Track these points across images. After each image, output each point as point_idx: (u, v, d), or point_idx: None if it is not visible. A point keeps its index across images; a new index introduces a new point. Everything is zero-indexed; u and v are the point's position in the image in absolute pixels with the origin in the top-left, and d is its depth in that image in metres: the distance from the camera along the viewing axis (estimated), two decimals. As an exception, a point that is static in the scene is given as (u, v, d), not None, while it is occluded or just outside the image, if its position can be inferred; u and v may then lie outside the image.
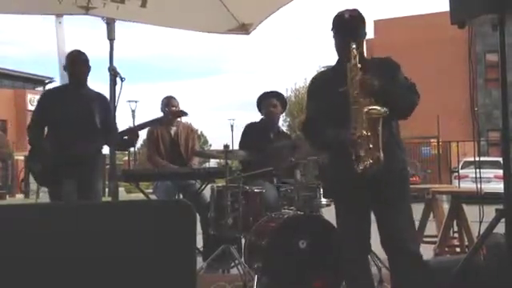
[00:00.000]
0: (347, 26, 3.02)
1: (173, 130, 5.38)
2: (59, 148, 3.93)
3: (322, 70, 3.38)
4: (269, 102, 5.00)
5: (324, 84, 3.17)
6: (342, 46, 3.05)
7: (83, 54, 4.18)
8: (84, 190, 3.99)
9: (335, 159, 3.15)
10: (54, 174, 3.93)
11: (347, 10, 3.07)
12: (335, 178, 3.22)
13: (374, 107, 2.84)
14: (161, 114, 5.07)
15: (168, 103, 5.33)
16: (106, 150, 4.39)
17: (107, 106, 4.13)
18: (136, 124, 4.22)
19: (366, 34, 3.15)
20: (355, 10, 3.09)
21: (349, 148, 2.88)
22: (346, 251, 3.12)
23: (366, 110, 2.83)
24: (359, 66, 2.90)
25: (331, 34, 3.10)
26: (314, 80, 3.35)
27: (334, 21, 3.10)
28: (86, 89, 4.17)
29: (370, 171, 2.82)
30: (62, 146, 3.93)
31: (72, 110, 4.03)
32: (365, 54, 3.18)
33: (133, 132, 4.15)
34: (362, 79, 2.88)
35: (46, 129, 4.19)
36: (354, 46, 2.93)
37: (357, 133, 2.85)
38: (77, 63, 4.11)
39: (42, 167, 3.98)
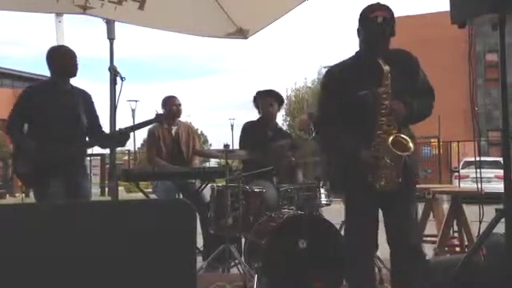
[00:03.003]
0: (379, 34, 2.93)
1: (174, 129, 5.39)
2: (46, 148, 3.80)
3: (340, 62, 3.23)
4: (265, 101, 5.00)
5: (343, 81, 3.06)
6: (366, 51, 3.00)
7: (69, 49, 4.05)
8: (72, 191, 3.90)
9: (348, 163, 3.07)
10: (40, 175, 3.80)
11: (379, 10, 2.92)
12: (346, 179, 3.18)
13: (401, 137, 2.83)
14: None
15: (169, 102, 5.34)
16: (106, 149, 4.39)
17: (92, 104, 4.08)
18: (128, 126, 4.18)
19: (394, 29, 3.01)
20: (387, 10, 2.94)
21: (365, 169, 2.89)
22: (352, 251, 3.13)
23: (391, 139, 2.82)
24: (390, 91, 2.85)
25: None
26: (332, 74, 3.22)
27: (363, 19, 2.97)
28: (69, 85, 4.04)
29: (387, 191, 2.86)
30: (49, 146, 3.81)
31: (58, 107, 3.91)
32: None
33: (124, 134, 4.09)
34: (394, 109, 2.86)
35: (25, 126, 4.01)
36: (387, 69, 2.84)
37: (379, 159, 2.84)
38: (71, 57, 3.98)
39: (28, 169, 3.82)
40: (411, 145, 2.83)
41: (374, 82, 2.88)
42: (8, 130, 4.00)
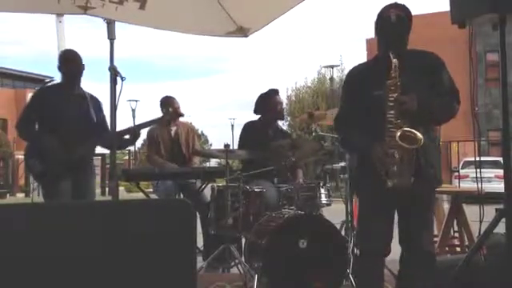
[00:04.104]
0: (393, 32, 2.91)
1: (173, 129, 5.40)
2: (59, 148, 3.93)
3: (361, 62, 3.25)
4: (276, 100, 5.01)
5: (361, 82, 3.06)
6: (383, 51, 2.98)
7: (77, 53, 4.19)
8: (79, 190, 3.99)
9: (364, 164, 3.05)
10: (52, 174, 3.92)
11: (393, 9, 2.91)
12: (360, 178, 3.17)
13: (410, 131, 2.80)
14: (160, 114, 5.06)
15: (168, 103, 5.33)
16: (105, 149, 4.41)
17: (100, 107, 4.19)
18: (136, 124, 4.23)
19: (410, 28, 2.98)
20: (402, 8, 2.93)
21: (376, 164, 2.88)
22: (362, 250, 3.12)
23: (399, 133, 2.79)
24: (398, 83, 2.84)
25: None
26: (351, 74, 3.23)
27: (378, 19, 2.97)
28: (79, 88, 4.17)
29: (399, 189, 2.83)
30: (62, 147, 3.93)
31: (70, 109, 4.03)
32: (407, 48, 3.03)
33: (133, 131, 4.16)
34: (400, 101, 2.83)
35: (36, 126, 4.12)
36: (395, 62, 2.83)
37: (389, 154, 2.83)
38: (74, 62, 4.11)
39: (44, 166, 3.94)
40: (420, 136, 2.79)
41: (387, 80, 2.88)
42: (20, 127, 4.10)
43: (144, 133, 4.76)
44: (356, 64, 3.25)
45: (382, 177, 2.86)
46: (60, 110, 4.01)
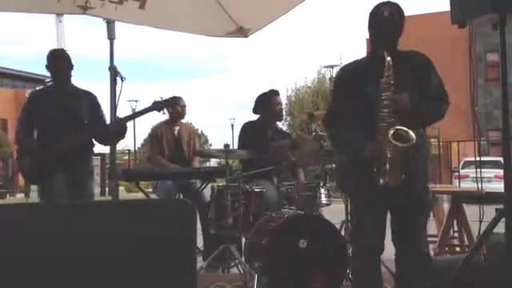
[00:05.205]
0: (385, 27, 2.91)
1: (176, 130, 5.40)
2: (44, 144, 3.95)
3: (354, 60, 3.22)
4: (275, 100, 5.01)
5: (353, 78, 3.05)
6: (376, 46, 2.98)
7: (63, 51, 4.20)
8: (75, 189, 3.99)
9: (355, 162, 3.06)
10: (41, 171, 3.93)
11: (386, 6, 2.91)
12: (355, 179, 3.16)
13: (402, 129, 2.80)
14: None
15: (175, 102, 5.31)
16: (106, 149, 4.39)
17: (94, 104, 4.16)
18: (126, 115, 4.16)
19: (403, 27, 2.98)
20: (395, 6, 2.93)
21: (370, 163, 2.87)
22: (357, 248, 3.12)
23: (392, 131, 2.79)
24: (392, 81, 2.84)
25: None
26: (342, 71, 3.24)
27: (371, 16, 2.95)
28: (70, 86, 4.17)
29: (391, 186, 2.83)
30: (47, 143, 3.95)
31: (54, 106, 4.05)
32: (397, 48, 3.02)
33: (119, 124, 4.08)
34: (394, 100, 2.84)
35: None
36: (389, 60, 2.83)
37: (381, 151, 2.83)
38: (57, 61, 4.11)
39: (30, 163, 3.98)
40: (412, 135, 2.79)
41: (379, 76, 2.88)
42: (16, 131, 4.19)
43: (143, 132, 4.72)
44: (349, 62, 3.24)
45: (373, 174, 2.86)
46: (49, 110, 4.04)
